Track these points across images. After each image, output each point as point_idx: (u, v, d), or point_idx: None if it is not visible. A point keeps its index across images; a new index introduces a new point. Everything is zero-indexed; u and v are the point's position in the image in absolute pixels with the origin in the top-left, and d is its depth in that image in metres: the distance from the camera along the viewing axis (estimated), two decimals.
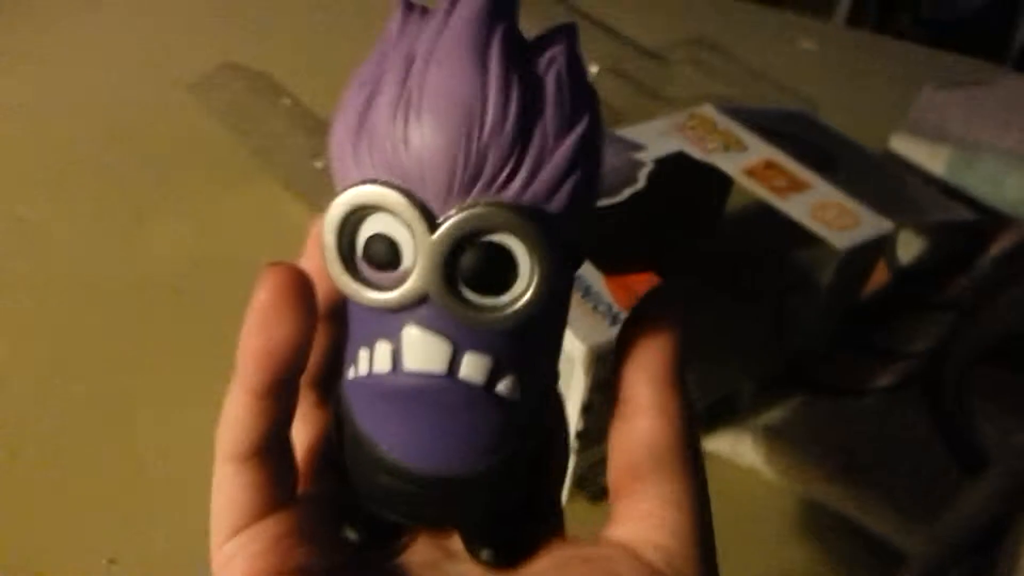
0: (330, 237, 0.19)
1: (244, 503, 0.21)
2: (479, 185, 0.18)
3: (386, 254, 0.19)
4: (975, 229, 0.59)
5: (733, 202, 0.60)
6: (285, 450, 0.22)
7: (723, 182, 0.54)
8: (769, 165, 0.54)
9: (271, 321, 0.20)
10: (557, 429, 0.24)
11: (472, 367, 0.19)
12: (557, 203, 0.18)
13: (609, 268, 0.44)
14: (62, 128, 0.71)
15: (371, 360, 0.20)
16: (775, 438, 0.49)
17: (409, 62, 0.18)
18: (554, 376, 0.23)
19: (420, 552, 0.23)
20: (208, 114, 0.72)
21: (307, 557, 0.21)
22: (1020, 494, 0.38)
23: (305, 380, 0.22)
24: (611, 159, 0.53)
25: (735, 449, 0.50)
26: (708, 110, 0.58)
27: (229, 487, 0.21)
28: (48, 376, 0.51)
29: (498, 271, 0.19)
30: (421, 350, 0.19)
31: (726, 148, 0.55)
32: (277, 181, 0.67)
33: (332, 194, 0.19)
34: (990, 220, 0.61)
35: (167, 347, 0.54)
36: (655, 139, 0.55)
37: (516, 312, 0.19)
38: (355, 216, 0.19)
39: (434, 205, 0.18)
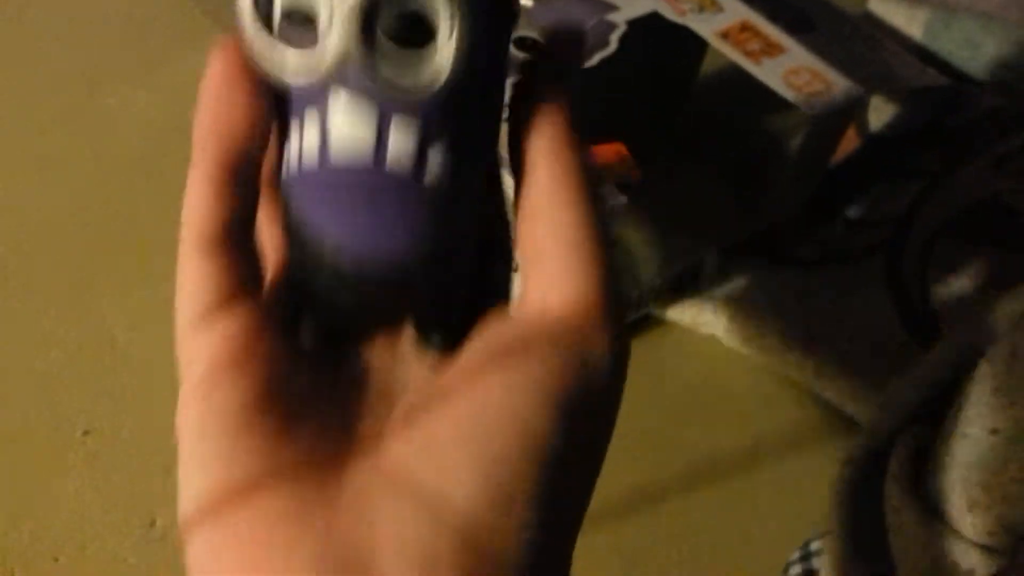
0: (246, 7, 0.19)
1: (209, 290, 0.20)
2: None
3: (304, 16, 0.19)
4: (947, 95, 0.58)
5: (708, 65, 0.58)
6: (249, 241, 0.21)
7: (697, 46, 0.52)
8: (744, 27, 0.52)
9: (224, 96, 0.19)
10: (501, 210, 0.24)
11: (400, 133, 0.19)
12: None
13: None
14: (14, 2, 0.67)
15: (301, 131, 0.19)
16: (737, 308, 0.50)
17: None
18: (494, 157, 0.22)
19: (372, 357, 0.22)
20: None
21: (273, 345, 0.20)
22: (969, 365, 0.39)
23: (267, 176, 0.21)
24: (582, 21, 0.51)
25: (697, 319, 0.50)
26: None
27: (193, 274, 0.21)
28: (7, 254, 0.51)
29: (416, 35, 0.18)
30: (348, 114, 0.19)
31: (701, 9, 0.53)
32: None
33: None
34: (963, 86, 0.60)
35: (129, 219, 0.53)
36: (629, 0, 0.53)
37: (436, 72, 0.19)
38: None
39: None
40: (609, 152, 0.48)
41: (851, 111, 0.50)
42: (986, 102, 0.58)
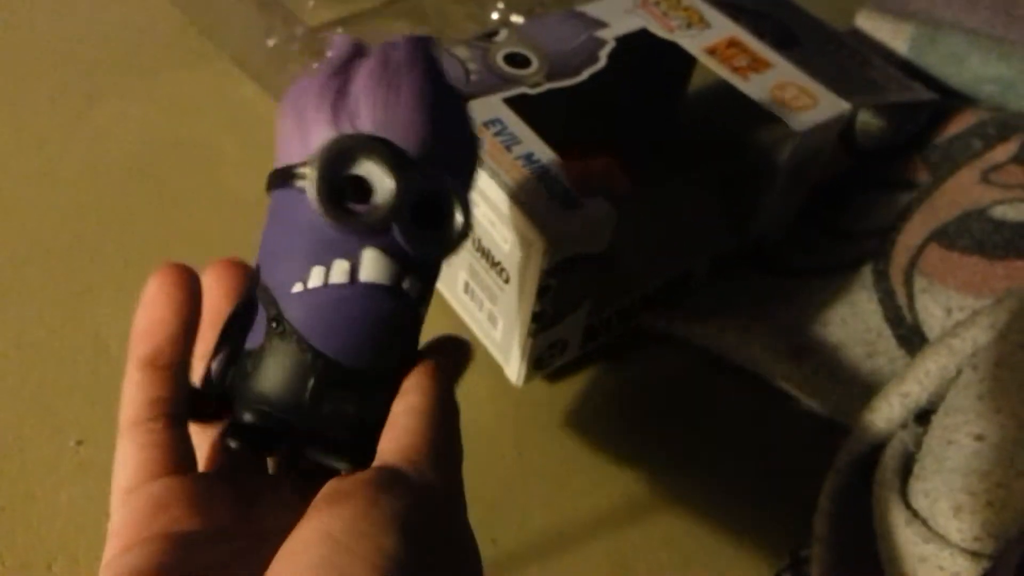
0: (322, 171, 0.25)
1: (131, 466, 0.24)
2: (437, 151, 0.26)
3: (362, 189, 0.25)
4: (933, 109, 0.59)
5: (696, 81, 0.59)
6: (175, 425, 0.26)
7: (685, 61, 0.53)
8: (731, 44, 0.53)
9: (150, 306, 0.25)
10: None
11: (410, 285, 0.26)
12: (471, 177, 0.29)
13: (567, 151, 0.44)
14: (8, 13, 0.68)
15: (327, 274, 0.25)
16: (726, 318, 0.50)
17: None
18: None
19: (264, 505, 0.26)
20: None
21: (184, 521, 0.23)
22: (955, 372, 0.40)
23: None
24: (572, 37, 0.52)
25: (688, 329, 0.51)
26: None
27: (120, 451, 0.25)
28: (2, 263, 0.51)
29: (437, 212, 0.27)
30: (378, 267, 0.25)
31: (689, 25, 0.54)
32: (229, 60, 0.65)
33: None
34: (949, 100, 0.61)
35: (124, 230, 0.53)
36: (618, 16, 0.53)
37: (453, 243, 0.27)
38: (343, 156, 0.25)
39: (410, 152, 0.26)
40: (599, 164, 0.48)
41: (838, 125, 0.51)
42: (972, 115, 0.59)
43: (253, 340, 0.26)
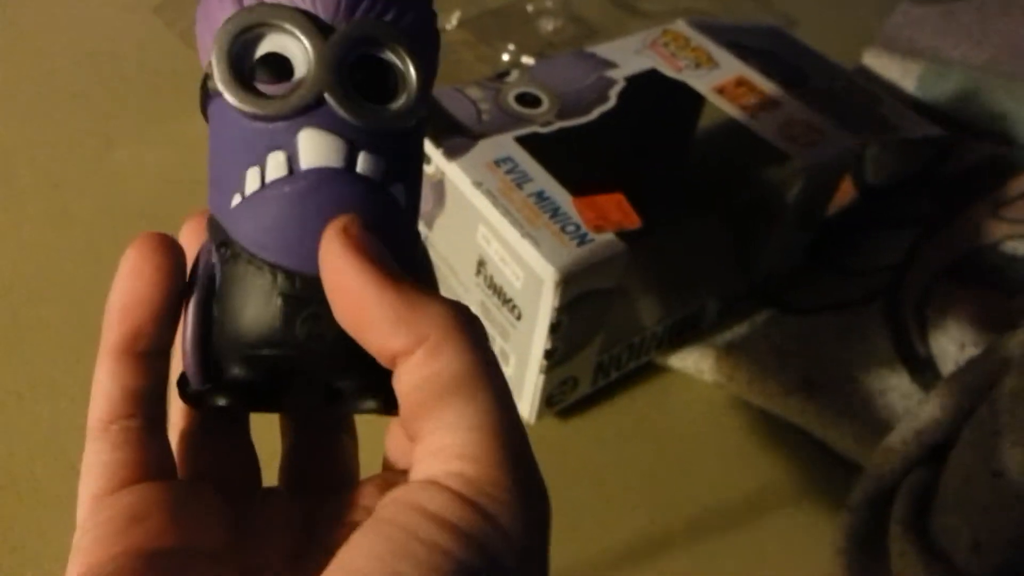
0: (220, 56, 0.21)
1: (102, 470, 0.21)
2: (360, 9, 0.21)
3: (278, 67, 0.21)
4: (943, 145, 0.59)
5: (705, 119, 0.60)
6: (152, 425, 0.22)
7: (695, 100, 0.54)
8: (740, 83, 0.54)
9: (128, 280, 0.21)
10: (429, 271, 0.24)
11: (369, 164, 0.21)
12: (424, 32, 0.22)
13: (578, 188, 0.44)
14: (29, 55, 0.70)
15: (263, 174, 0.21)
16: (738, 355, 0.50)
17: None
18: (417, 215, 0.24)
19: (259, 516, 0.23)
20: (173, 35, 0.71)
21: (162, 535, 0.20)
22: (969, 407, 0.40)
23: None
24: (582, 77, 0.52)
25: (699, 366, 0.51)
26: (682, 26, 0.58)
27: (89, 453, 0.21)
28: (20, 304, 0.52)
29: (383, 78, 0.22)
30: (319, 148, 0.21)
31: (698, 65, 0.55)
32: None
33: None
34: (958, 136, 0.62)
35: None
36: (628, 56, 0.54)
37: (404, 113, 0.21)
38: (246, 36, 0.21)
39: (324, 18, 0.21)
40: (610, 202, 0.49)
41: (847, 162, 0.51)
42: (980, 151, 0.59)
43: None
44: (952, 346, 0.48)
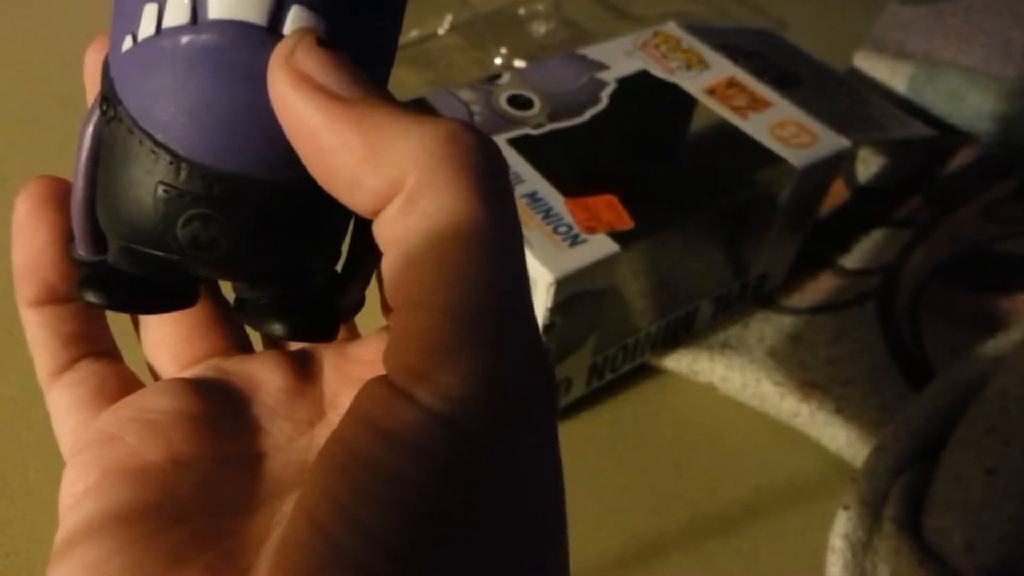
0: None
1: (70, 413, 0.20)
2: None
3: None
4: (933, 146, 0.60)
5: (696, 121, 0.60)
6: (107, 358, 0.21)
7: (686, 102, 0.54)
8: (731, 84, 0.54)
9: (25, 233, 0.19)
10: None
11: (300, 23, 0.15)
12: None
13: (570, 189, 0.44)
14: (21, 60, 0.69)
15: (160, 15, 0.15)
16: (732, 356, 0.50)
17: None
18: (387, 76, 0.18)
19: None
20: None
21: (139, 451, 0.18)
22: (962, 406, 0.40)
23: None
24: (573, 79, 0.52)
25: (693, 367, 0.51)
26: (672, 28, 0.58)
27: (52, 406, 0.21)
28: (14, 308, 0.51)
29: None
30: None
31: (689, 67, 0.55)
32: None
33: None
34: (949, 136, 0.62)
35: None
36: (619, 58, 0.54)
37: None
38: None
39: None
40: (602, 203, 0.49)
41: (838, 162, 0.51)
42: (972, 152, 0.59)
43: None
44: (945, 346, 0.48)
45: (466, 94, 0.50)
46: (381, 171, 0.15)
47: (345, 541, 0.13)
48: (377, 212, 0.15)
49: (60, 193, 0.19)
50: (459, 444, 0.14)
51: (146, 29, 0.15)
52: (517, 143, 0.47)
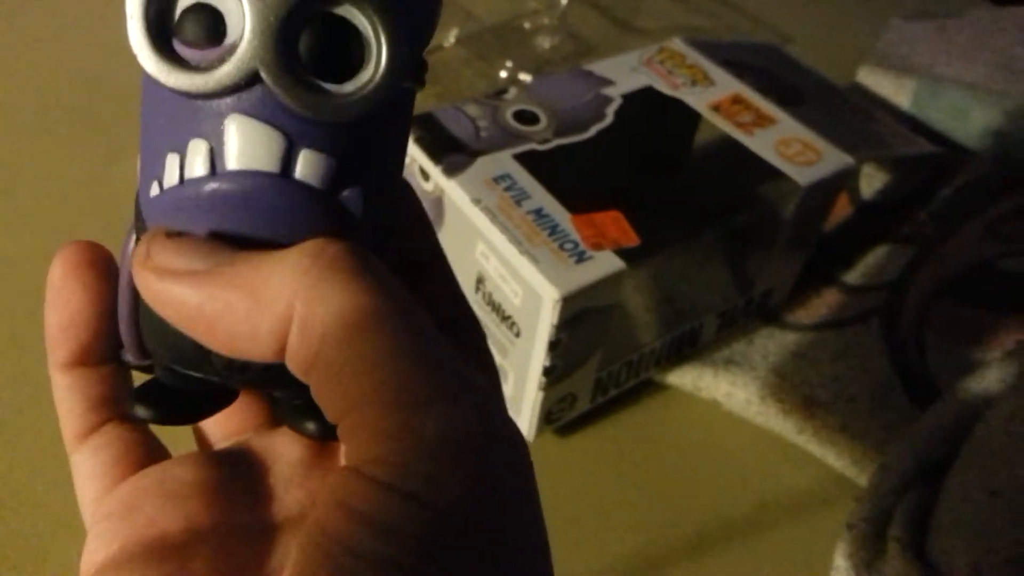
0: (134, 7, 0.16)
1: (94, 477, 0.20)
2: None
3: (206, 25, 0.16)
4: (937, 162, 0.60)
5: (701, 137, 0.60)
6: (132, 423, 0.21)
7: (691, 118, 0.54)
8: (736, 100, 0.54)
9: (59, 298, 0.20)
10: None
11: (310, 166, 0.16)
12: None
13: (576, 206, 0.45)
14: (28, 70, 0.70)
15: (182, 165, 0.17)
16: (736, 372, 0.50)
17: None
18: (395, 193, 0.19)
19: (230, 427, 0.21)
20: None
21: (156, 521, 0.19)
22: (967, 426, 0.40)
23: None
24: (579, 95, 0.53)
25: (697, 383, 0.51)
26: (678, 44, 0.58)
27: (76, 468, 0.21)
28: (22, 319, 0.51)
29: (342, 49, 0.16)
30: (248, 144, 0.16)
31: (694, 83, 0.55)
32: None
33: None
34: (952, 153, 0.62)
35: None
36: (624, 74, 0.55)
37: (364, 99, 0.16)
38: None
39: None
40: (608, 219, 0.49)
41: (842, 179, 0.51)
42: (975, 168, 0.59)
43: None
44: (949, 364, 0.48)
45: (472, 109, 0.50)
46: (269, 310, 0.15)
47: None
48: (283, 351, 0.16)
49: (94, 257, 0.20)
50: (427, 516, 0.14)
51: (170, 178, 0.17)
52: (523, 159, 0.47)
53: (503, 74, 0.71)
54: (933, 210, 0.58)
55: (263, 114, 0.16)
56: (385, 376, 0.15)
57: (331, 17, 0.16)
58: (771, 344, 0.53)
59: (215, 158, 0.16)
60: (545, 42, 0.75)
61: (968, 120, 0.63)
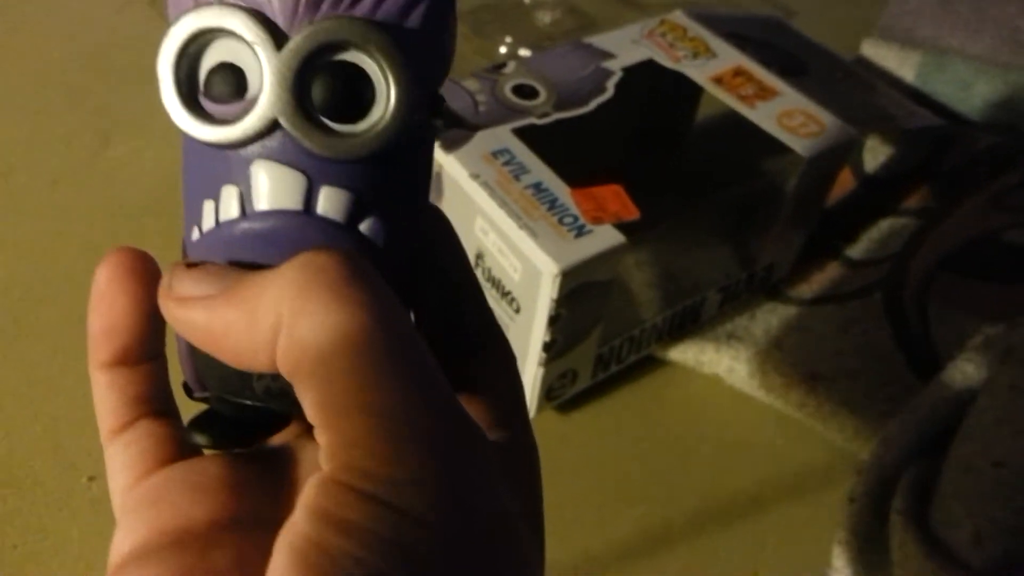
0: (166, 71, 0.18)
1: (125, 469, 0.21)
2: (326, 4, 0.17)
3: (229, 83, 0.18)
4: (941, 135, 0.59)
5: (703, 110, 0.59)
6: (164, 415, 0.22)
7: (692, 91, 0.53)
8: (738, 72, 0.53)
9: (103, 304, 0.21)
10: (434, 288, 0.22)
11: (330, 202, 0.18)
12: (412, 21, 0.18)
13: (576, 180, 0.44)
14: (25, 51, 0.69)
15: (216, 210, 0.19)
16: (738, 347, 0.50)
17: None
18: (419, 222, 0.21)
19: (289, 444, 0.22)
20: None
21: (183, 513, 0.19)
22: (969, 398, 0.40)
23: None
24: (579, 68, 0.52)
25: (699, 358, 0.51)
26: (679, 16, 0.57)
27: (109, 461, 0.22)
28: (18, 301, 0.51)
29: (352, 93, 0.18)
30: (273, 186, 0.18)
31: (695, 55, 0.54)
32: None
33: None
34: (957, 126, 0.61)
35: None
36: (625, 47, 0.54)
37: (375, 137, 0.18)
38: (195, 45, 0.18)
39: (281, 22, 0.17)
40: (608, 193, 0.48)
41: (846, 152, 0.51)
42: (980, 141, 0.59)
43: None
44: (953, 337, 0.48)
45: (471, 83, 0.50)
46: (263, 323, 0.16)
47: None
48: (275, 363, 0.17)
49: (139, 263, 0.21)
50: (409, 526, 0.15)
51: (207, 222, 0.19)
52: (522, 133, 0.46)
53: (503, 50, 0.70)
54: (937, 183, 0.58)
55: (284, 157, 0.18)
56: (363, 386, 0.16)
57: (342, 64, 0.18)
58: (773, 319, 0.52)
59: (244, 201, 0.18)
60: (545, 17, 0.74)
61: (973, 92, 0.63)
